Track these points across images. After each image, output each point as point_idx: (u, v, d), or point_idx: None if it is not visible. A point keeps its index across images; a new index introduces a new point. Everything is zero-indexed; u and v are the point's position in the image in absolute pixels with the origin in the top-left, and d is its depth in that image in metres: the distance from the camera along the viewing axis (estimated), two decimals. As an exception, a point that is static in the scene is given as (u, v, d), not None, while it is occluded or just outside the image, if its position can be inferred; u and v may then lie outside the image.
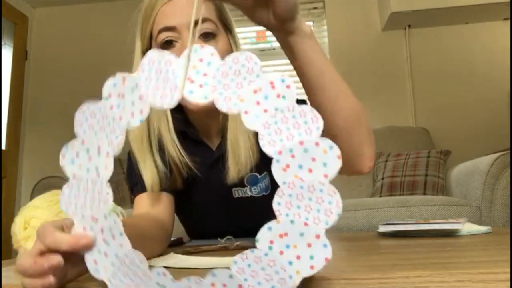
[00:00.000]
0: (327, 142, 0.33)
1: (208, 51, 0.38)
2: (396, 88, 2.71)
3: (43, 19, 3.06)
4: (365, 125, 0.62)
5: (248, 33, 2.93)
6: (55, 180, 1.86)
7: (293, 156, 0.34)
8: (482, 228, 0.72)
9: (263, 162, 0.80)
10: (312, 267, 0.32)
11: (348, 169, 0.63)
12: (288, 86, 0.36)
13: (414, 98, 2.68)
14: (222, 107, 0.36)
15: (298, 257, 0.32)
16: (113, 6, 2.96)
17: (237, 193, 0.87)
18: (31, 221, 0.65)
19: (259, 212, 0.89)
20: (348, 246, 0.66)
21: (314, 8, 2.89)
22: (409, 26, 2.71)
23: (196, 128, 0.85)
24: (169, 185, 0.79)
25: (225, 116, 0.80)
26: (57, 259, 0.37)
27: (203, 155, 0.83)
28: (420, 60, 2.70)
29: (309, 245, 0.32)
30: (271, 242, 0.33)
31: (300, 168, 0.34)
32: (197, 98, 0.37)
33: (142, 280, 0.35)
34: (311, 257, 0.32)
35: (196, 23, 0.43)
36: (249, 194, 0.86)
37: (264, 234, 0.33)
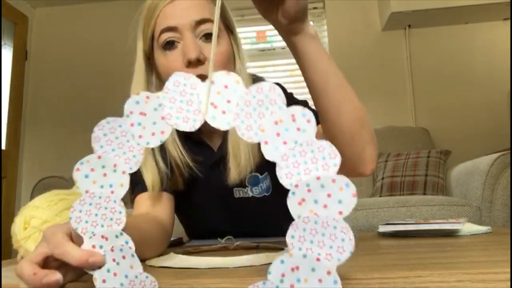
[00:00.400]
0: (344, 179, 0.33)
1: (233, 78, 0.39)
2: (396, 88, 2.71)
3: (43, 19, 3.06)
4: (368, 128, 0.62)
5: (248, 33, 2.93)
6: (55, 180, 1.86)
7: (309, 191, 0.34)
8: (482, 228, 0.72)
9: (264, 163, 0.80)
10: None
11: (351, 172, 0.64)
12: (308, 121, 0.36)
13: (414, 98, 2.68)
14: (243, 135, 0.37)
15: None
16: (113, 6, 2.96)
17: (238, 193, 0.87)
18: (31, 221, 0.65)
19: (259, 212, 0.89)
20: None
21: (314, 8, 2.89)
22: (409, 26, 2.71)
23: (198, 128, 0.85)
24: (170, 185, 0.79)
25: None
26: (56, 278, 0.36)
27: (205, 155, 0.83)
28: (420, 60, 2.70)
29: (320, 280, 0.33)
30: (283, 275, 0.33)
31: (316, 203, 0.34)
32: (220, 124, 0.38)
33: None
34: None
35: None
36: (250, 194, 0.86)
37: (277, 266, 0.33)
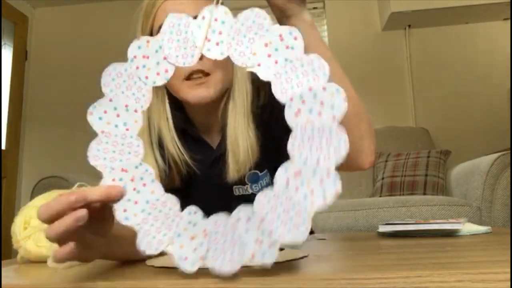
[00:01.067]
0: (334, 86, 0.36)
1: (222, 10, 0.42)
2: (396, 88, 2.71)
3: (43, 19, 3.06)
4: (365, 119, 0.62)
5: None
6: (55, 180, 1.86)
7: (303, 102, 0.37)
8: (482, 228, 0.72)
9: (264, 160, 0.81)
10: (324, 200, 0.35)
11: (349, 165, 0.63)
12: (295, 38, 0.39)
13: (414, 98, 2.68)
14: (237, 61, 0.40)
15: (312, 192, 0.36)
16: (113, 6, 2.96)
17: (238, 191, 0.86)
18: (31, 221, 0.65)
19: None
20: (348, 246, 0.66)
21: (314, 8, 2.89)
22: (409, 26, 2.71)
23: (197, 126, 0.85)
24: (167, 183, 0.79)
25: (225, 114, 0.80)
26: (83, 214, 0.36)
27: (204, 153, 0.83)
28: (420, 60, 2.70)
29: (321, 181, 0.36)
30: (287, 181, 0.36)
31: (310, 112, 0.37)
32: (214, 55, 0.41)
33: (174, 221, 0.39)
34: (323, 191, 0.36)
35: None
36: (250, 192, 0.86)
37: (281, 174, 0.37)
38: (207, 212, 0.66)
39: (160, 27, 0.71)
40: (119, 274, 0.46)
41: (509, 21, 2.61)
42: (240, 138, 0.77)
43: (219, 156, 0.82)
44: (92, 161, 0.40)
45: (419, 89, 2.69)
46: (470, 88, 2.65)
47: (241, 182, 0.84)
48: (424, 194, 2.00)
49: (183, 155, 0.79)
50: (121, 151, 0.41)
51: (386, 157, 2.24)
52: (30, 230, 0.64)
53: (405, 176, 2.09)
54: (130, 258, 0.52)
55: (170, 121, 0.79)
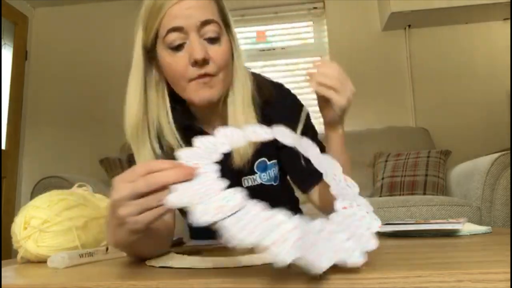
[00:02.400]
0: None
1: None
2: (396, 88, 2.71)
3: (43, 19, 3.06)
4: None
5: (248, 33, 2.93)
6: (55, 180, 1.86)
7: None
8: (482, 228, 0.72)
9: (274, 150, 0.86)
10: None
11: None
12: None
13: (414, 98, 2.68)
14: None
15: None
16: (113, 6, 2.96)
17: (247, 182, 0.88)
18: (31, 221, 0.65)
19: (267, 201, 0.90)
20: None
21: (314, 8, 2.89)
22: (409, 26, 2.71)
23: (198, 119, 0.87)
24: None
25: (225, 107, 0.82)
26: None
27: None
28: (420, 60, 2.70)
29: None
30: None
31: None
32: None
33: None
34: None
35: None
36: (259, 181, 0.88)
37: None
38: None
39: (167, 32, 0.73)
40: (119, 274, 0.47)
41: (509, 21, 2.61)
42: (240, 122, 0.80)
43: None
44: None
45: (419, 89, 2.69)
46: (470, 88, 2.65)
47: (250, 172, 0.86)
48: (424, 194, 2.00)
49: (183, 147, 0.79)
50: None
51: (386, 157, 2.24)
52: (30, 230, 0.64)
53: (405, 176, 2.09)
54: (142, 252, 0.56)
55: (170, 114, 0.80)
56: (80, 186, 0.79)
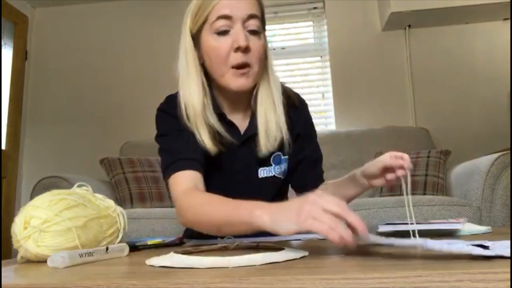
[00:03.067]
0: None
1: None
2: (396, 88, 2.71)
3: (43, 19, 3.06)
4: None
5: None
6: (55, 180, 1.86)
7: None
8: (482, 228, 0.72)
9: (288, 146, 0.91)
10: None
11: None
12: None
13: (414, 98, 2.68)
14: None
15: None
16: (113, 6, 2.96)
17: (263, 172, 0.94)
18: (31, 221, 0.65)
19: (273, 192, 0.97)
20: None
21: (314, 8, 2.89)
22: (409, 26, 2.71)
23: (224, 108, 0.92)
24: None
25: (255, 100, 0.90)
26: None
27: (233, 136, 0.89)
28: (420, 60, 2.70)
29: None
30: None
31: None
32: None
33: None
34: None
35: None
36: (273, 173, 0.94)
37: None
38: (231, 195, 0.69)
39: (217, 18, 0.81)
40: (119, 274, 0.47)
41: (509, 21, 2.61)
42: (271, 115, 0.88)
43: (248, 138, 0.90)
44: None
45: (419, 89, 2.69)
46: (470, 88, 2.65)
47: (266, 163, 0.93)
48: (424, 194, 2.00)
49: (220, 135, 0.86)
50: None
51: (386, 157, 2.24)
52: (30, 230, 0.64)
53: (405, 176, 2.09)
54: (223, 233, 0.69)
55: (210, 100, 0.87)
56: (80, 186, 0.79)
